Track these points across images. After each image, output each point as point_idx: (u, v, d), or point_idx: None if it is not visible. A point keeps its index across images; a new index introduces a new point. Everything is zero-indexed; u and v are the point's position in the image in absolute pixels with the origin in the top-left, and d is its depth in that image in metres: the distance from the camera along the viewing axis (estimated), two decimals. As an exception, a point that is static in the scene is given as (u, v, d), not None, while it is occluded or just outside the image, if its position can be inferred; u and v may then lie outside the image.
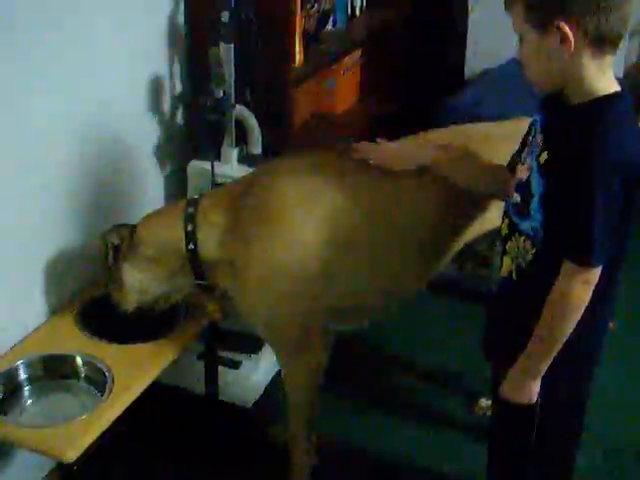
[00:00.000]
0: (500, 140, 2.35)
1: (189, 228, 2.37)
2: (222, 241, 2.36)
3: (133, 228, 2.45)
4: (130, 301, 2.51)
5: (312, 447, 2.68)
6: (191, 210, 2.38)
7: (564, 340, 1.90)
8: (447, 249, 2.55)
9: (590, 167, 1.76)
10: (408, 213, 2.42)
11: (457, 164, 2.34)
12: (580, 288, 1.84)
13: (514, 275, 2.00)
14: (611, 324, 2.88)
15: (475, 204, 2.46)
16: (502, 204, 2.14)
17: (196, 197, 2.46)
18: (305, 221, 2.32)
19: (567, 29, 1.75)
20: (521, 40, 1.86)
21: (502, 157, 2.20)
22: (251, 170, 2.70)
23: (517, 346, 1.98)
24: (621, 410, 3.11)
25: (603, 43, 1.79)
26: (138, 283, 2.48)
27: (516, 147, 2.10)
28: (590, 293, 1.86)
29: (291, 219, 2.33)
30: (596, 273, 1.84)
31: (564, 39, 1.77)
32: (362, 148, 2.44)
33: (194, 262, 2.40)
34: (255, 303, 2.41)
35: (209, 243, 2.38)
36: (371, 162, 2.39)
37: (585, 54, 1.79)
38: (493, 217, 2.39)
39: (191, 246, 2.38)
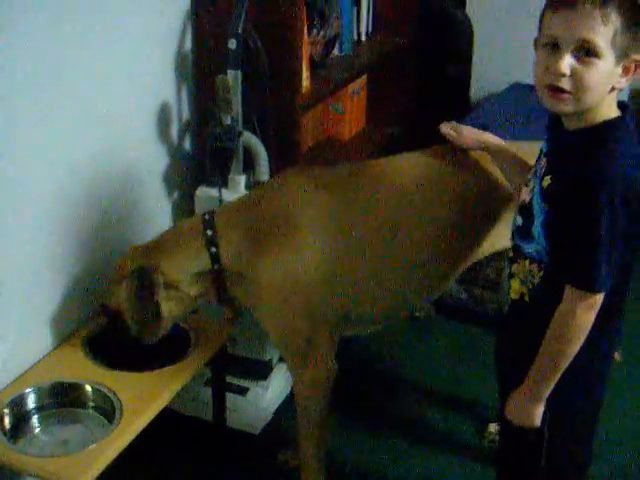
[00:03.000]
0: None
1: (212, 250, 2.39)
2: (241, 256, 2.39)
3: (152, 267, 2.42)
4: (162, 332, 2.50)
5: (323, 468, 2.66)
6: (210, 233, 2.39)
7: (566, 364, 1.90)
8: (454, 266, 2.57)
9: (593, 195, 1.76)
10: (416, 229, 2.45)
11: (509, 156, 2.35)
12: (583, 313, 1.84)
13: (526, 297, 2.00)
14: (617, 355, 2.89)
15: (486, 220, 2.49)
16: (507, 225, 2.16)
17: (206, 216, 2.44)
18: (314, 233, 2.36)
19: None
20: (588, 54, 1.76)
21: None
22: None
23: (527, 369, 1.98)
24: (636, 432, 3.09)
25: None
26: (174, 313, 2.49)
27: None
28: (593, 317, 1.86)
29: (300, 231, 2.36)
30: (599, 298, 1.84)
31: (628, 72, 1.81)
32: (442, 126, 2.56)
33: (219, 280, 2.43)
34: (267, 312, 2.44)
35: (231, 260, 2.40)
36: (442, 130, 2.53)
37: None
38: (502, 236, 2.41)
39: (216, 267, 2.40)
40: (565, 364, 1.90)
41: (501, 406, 2.14)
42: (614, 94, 1.85)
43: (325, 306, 2.41)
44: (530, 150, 2.19)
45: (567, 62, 1.77)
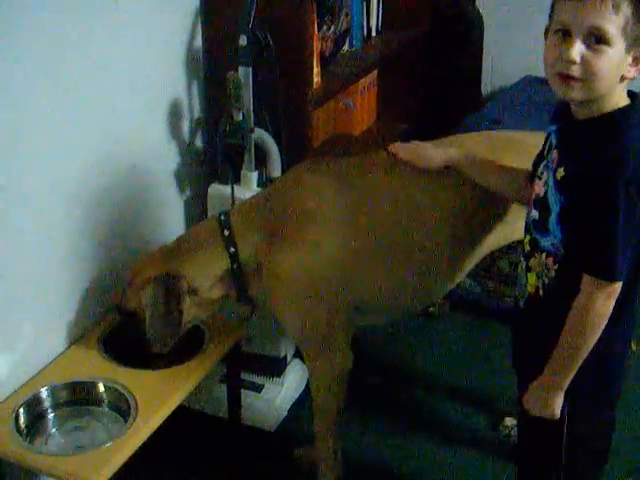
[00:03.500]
0: (523, 146, 2.36)
1: (231, 251, 2.40)
2: (259, 253, 2.41)
3: (178, 275, 2.41)
4: (176, 339, 2.49)
5: (340, 460, 2.68)
6: (227, 233, 2.41)
7: (585, 354, 1.90)
8: (463, 258, 2.56)
9: (610, 183, 1.76)
10: (427, 220, 2.46)
11: (478, 163, 2.36)
12: (602, 302, 1.84)
13: (541, 292, 1.99)
14: (634, 346, 2.87)
15: (493, 215, 2.48)
16: (521, 216, 2.16)
17: (222, 217, 2.45)
18: (329, 227, 2.38)
19: None
20: (599, 42, 1.75)
21: (525, 163, 2.19)
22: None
23: (545, 362, 1.98)
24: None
25: None
26: (194, 319, 2.52)
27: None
28: (612, 306, 1.86)
29: (315, 224, 2.38)
30: (618, 286, 1.84)
31: (637, 62, 1.79)
32: (394, 146, 2.50)
33: (239, 279, 2.45)
34: (286, 306, 2.45)
35: (249, 258, 2.42)
36: (401, 156, 2.45)
37: None
38: (513, 230, 2.43)
39: (235, 266, 2.42)
40: (585, 353, 1.90)
41: (520, 400, 2.13)
42: (624, 84, 1.84)
43: (340, 297, 2.43)
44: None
45: (577, 49, 1.76)
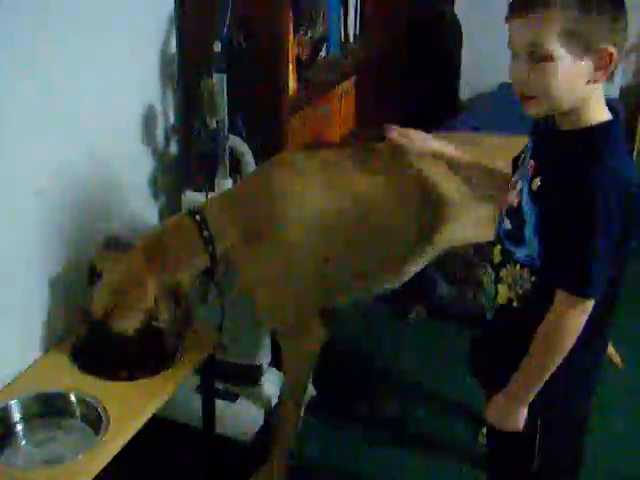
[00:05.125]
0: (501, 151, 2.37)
1: (210, 249, 2.48)
2: (236, 248, 2.50)
3: (176, 286, 2.46)
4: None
5: (296, 431, 2.83)
6: (207, 234, 2.46)
7: (553, 369, 1.88)
8: (418, 250, 2.71)
9: (591, 199, 1.73)
10: (386, 214, 2.61)
11: (463, 157, 2.38)
12: (575, 318, 1.82)
13: (515, 303, 1.96)
14: (618, 359, 2.86)
15: (448, 215, 2.64)
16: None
17: (197, 217, 2.48)
18: (300, 219, 2.49)
19: (615, 55, 1.73)
20: (539, 59, 1.74)
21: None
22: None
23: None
24: (628, 441, 3.07)
25: (616, 67, 1.78)
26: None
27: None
28: (583, 323, 1.83)
29: (288, 218, 2.49)
30: (590, 304, 1.82)
31: (602, 65, 1.74)
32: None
33: (213, 271, 2.54)
34: (263, 292, 2.56)
35: (227, 254, 2.51)
36: (392, 138, 2.47)
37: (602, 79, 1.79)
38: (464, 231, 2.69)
39: (212, 262, 2.50)
40: (552, 369, 1.88)
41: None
42: (597, 89, 1.80)
43: (311, 283, 2.56)
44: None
45: (523, 69, 1.77)
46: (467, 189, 2.54)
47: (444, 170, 2.49)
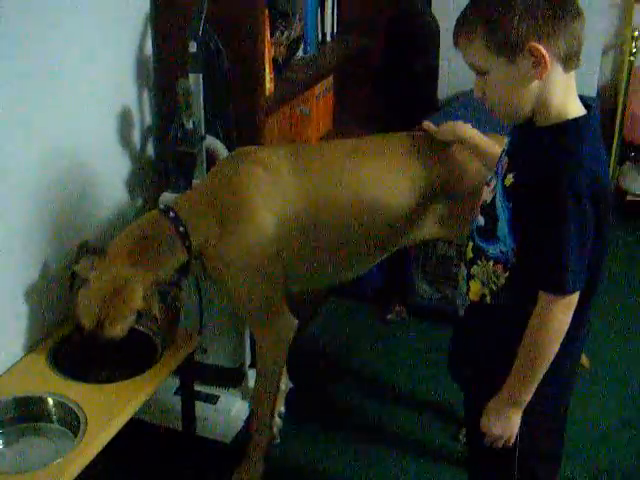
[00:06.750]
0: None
1: (187, 244, 2.51)
2: (208, 241, 2.53)
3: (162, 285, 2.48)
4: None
5: (274, 425, 2.94)
6: (182, 229, 2.49)
7: (546, 367, 1.87)
8: (379, 247, 2.76)
9: (562, 195, 1.73)
10: (346, 207, 2.63)
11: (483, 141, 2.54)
12: (559, 314, 1.82)
13: (488, 299, 1.96)
14: (585, 361, 2.87)
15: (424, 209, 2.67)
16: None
17: (171, 213, 2.50)
18: (266, 211, 2.54)
19: (543, 50, 1.73)
20: (482, 74, 1.83)
21: None
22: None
23: (494, 372, 1.95)
24: (607, 432, 3.09)
25: (569, 60, 1.78)
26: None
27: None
28: (570, 317, 1.83)
29: (255, 211, 2.53)
30: (574, 297, 1.82)
31: (538, 62, 1.75)
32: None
33: (189, 264, 2.56)
34: (233, 283, 2.58)
35: (200, 246, 2.54)
36: (425, 127, 2.73)
37: (555, 74, 1.78)
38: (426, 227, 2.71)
39: (187, 243, 2.52)
40: (545, 367, 1.87)
41: (467, 412, 2.15)
42: (565, 87, 1.80)
43: (280, 272, 2.61)
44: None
45: (476, 85, 1.87)
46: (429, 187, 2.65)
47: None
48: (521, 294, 1.86)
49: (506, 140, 2.00)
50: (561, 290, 1.80)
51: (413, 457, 2.97)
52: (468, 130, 2.59)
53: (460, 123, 2.62)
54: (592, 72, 4.58)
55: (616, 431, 3.10)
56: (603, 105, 4.55)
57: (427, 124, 2.72)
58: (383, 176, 2.65)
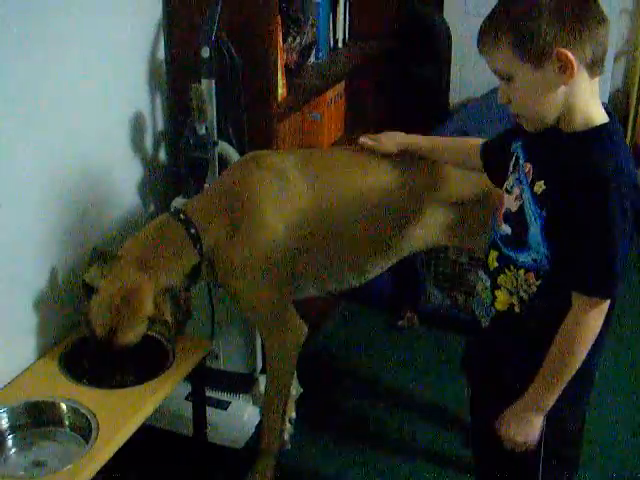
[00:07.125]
0: None
1: (198, 247, 2.50)
2: (218, 245, 2.52)
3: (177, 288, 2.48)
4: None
5: (285, 431, 2.92)
6: (194, 232, 2.49)
7: (573, 373, 1.86)
8: (386, 253, 2.74)
9: (610, 199, 1.72)
10: (356, 214, 2.63)
11: (433, 144, 2.57)
12: (594, 320, 1.82)
13: (517, 309, 1.94)
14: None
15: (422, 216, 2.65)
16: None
17: (181, 216, 2.50)
18: (276, 216, 2.53)
19: (570, 55, 1.73)
20: (507, 80, 1.82)
21: None
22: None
23: (519, 379, 1.94)
24: (619, 440, 3.09)
25: (595, 65, 1.78)
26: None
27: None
28: (601, 322, 1.83)
29: (265, 216, 2.52)
30: (607, 303, 1.82)
31: (565, 67, 1.74)
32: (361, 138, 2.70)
33: (199, 267, 2.54)
34: (242, 287, 2.57)
35: (211, 250, 2.53)
36: (361, 141, 2.67)
37: (581, 80, 1.78)
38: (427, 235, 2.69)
39: (200, 259, 2.52)
40: (573, 372, 1.86)
41: (476, 420, 2.15)
42: (583, 90, 1.79)
43: (287, 275, 2.60)
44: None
45: (501, 91, 1.86)
46: (429, 193, 2.62)
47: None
48: (553, 302, 1.85)
49: (515, 145, 1.99)
50: (603, 293, 1.79)
51: (423, 464, 2.96)
52: (407, 136, 2.62)
53: (396, 132, 2.65)
54: (603, 78, 4.57)
55: (628, 438, 3.09)
56: (614, 111, 4.53)
57: (362, 141, 2.67)
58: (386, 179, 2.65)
